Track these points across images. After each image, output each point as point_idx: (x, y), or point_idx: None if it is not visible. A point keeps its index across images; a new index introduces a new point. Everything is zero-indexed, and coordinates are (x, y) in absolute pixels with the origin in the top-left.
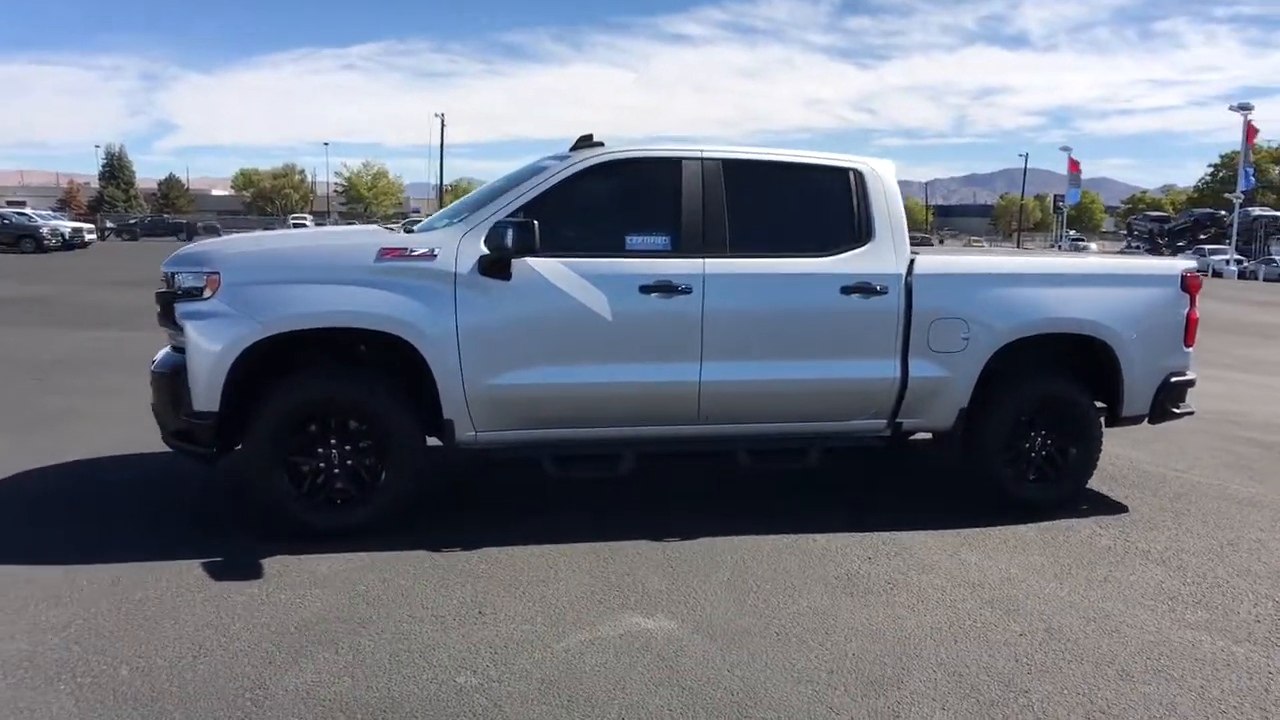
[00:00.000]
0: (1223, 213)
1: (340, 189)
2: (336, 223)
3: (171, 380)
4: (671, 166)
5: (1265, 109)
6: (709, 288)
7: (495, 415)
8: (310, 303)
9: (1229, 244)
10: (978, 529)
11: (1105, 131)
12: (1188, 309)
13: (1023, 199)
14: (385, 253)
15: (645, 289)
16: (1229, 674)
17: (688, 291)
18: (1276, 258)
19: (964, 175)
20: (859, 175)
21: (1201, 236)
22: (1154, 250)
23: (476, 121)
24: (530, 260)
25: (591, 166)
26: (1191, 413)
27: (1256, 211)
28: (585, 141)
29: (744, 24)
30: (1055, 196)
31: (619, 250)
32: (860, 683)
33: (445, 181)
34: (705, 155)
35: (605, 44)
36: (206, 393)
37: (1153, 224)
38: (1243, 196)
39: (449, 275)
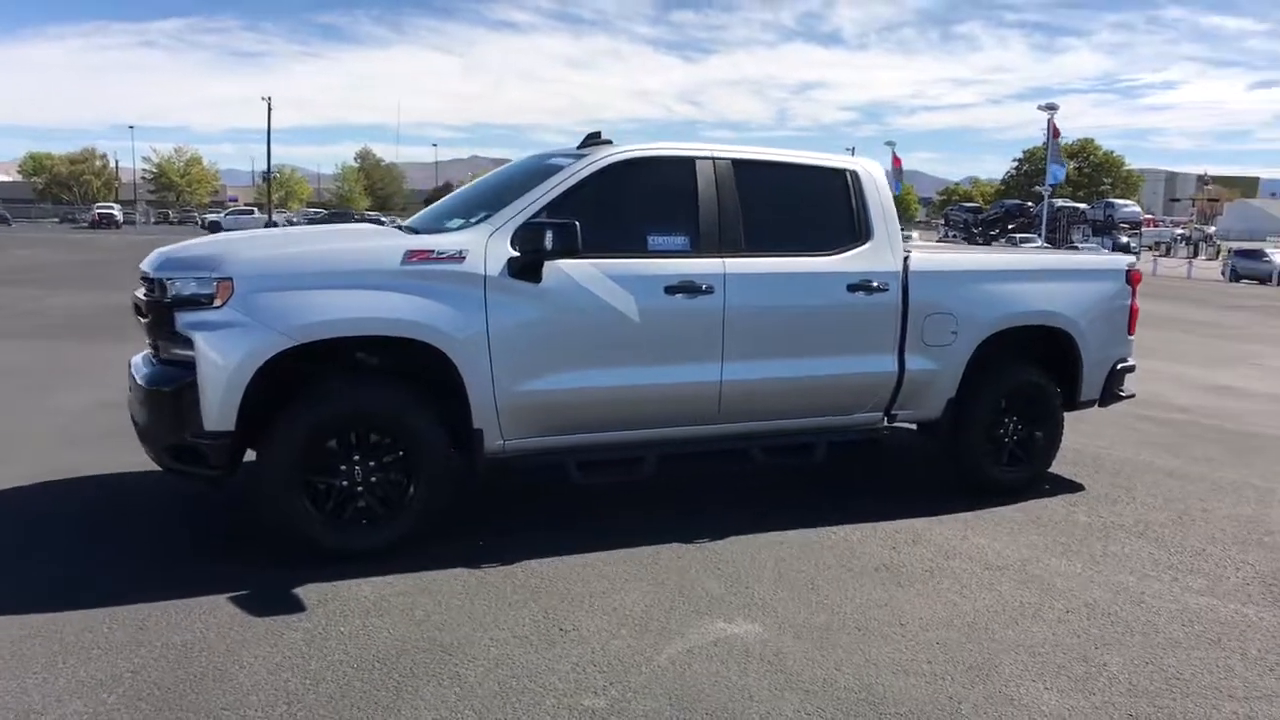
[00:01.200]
0: (1029, 204)
1: (149, 176)
2: (146, 213)
3: (174, 397)
4: (686, 165)
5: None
6: (729, 287)
7: (524, 422)
8: (336, 310)
9: (1037, 233)
10: (969, 513)
11: (913, 126)
12: (1130, 300)
13: None
14: (412, 255)
15: (670, 289)
16: (1254, 634)
17: (710, 291)
18: (1078, 245)
19: None
20: (855, 176)
21: (1011, 226)
22: (969, 239)
23: (294, 106)
24: (558, 261)
25: (613, 164)
26: (1133, 395)
27: (1060, 203)
28: (594, 139)
29: (570, 14)
30: None
31: (642, 250)
32: (960, 670)
33: (261, 170)
34: (716, 155)
35: (428, 27)
36: (221, 410)
37: (967, 214)
38: (1051, 189)
39: (479, 278)
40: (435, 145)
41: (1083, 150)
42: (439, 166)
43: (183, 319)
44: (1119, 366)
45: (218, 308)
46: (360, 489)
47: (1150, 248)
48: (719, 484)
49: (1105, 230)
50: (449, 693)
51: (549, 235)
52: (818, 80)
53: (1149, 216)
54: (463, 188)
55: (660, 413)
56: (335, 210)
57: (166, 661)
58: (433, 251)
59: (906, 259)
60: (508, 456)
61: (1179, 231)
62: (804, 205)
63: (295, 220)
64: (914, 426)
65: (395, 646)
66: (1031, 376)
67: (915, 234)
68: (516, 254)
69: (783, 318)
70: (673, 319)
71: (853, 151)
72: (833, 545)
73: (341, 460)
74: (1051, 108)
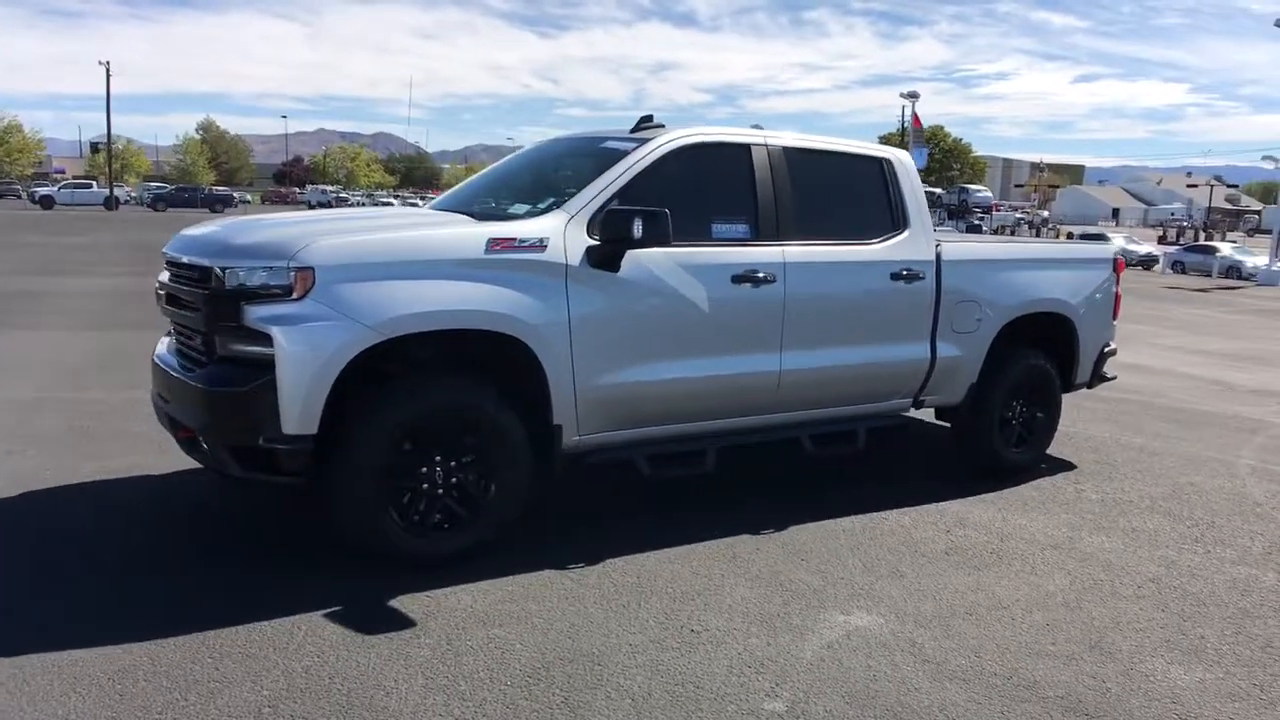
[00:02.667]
0: (935, 192)
1: None
2: None
3: (248, 399)
4: (744, 151)
5: (892, 94)
6: (789, 276)
7: (599, 417)
8: (425, 301)
9: None
10: (991, 495)
11: (765, 110)
12: (1116, 287)
13: None
14: (496, 243)
15: (737, 279)
16: None
17: (772, 280)
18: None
19: None
20: (889, 164)
21: None
22: None
23: (123, 72)
24: (634, 251)
25: (678, 149)
26: (1115, 378)
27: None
28: (647, 122)
29: None
30: None
31: (707, 238)
32: (1084, 649)
33: (91, 139)
34: (769, 141)
35: None
36: (304, 412)
37: None
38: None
39: (560, 267)
40: (285, 117)
41: (933, 137)
42: (286, 140)
43: (254, 313)
44: (1105, 350)
45: (296, 300)
46: (440, 491)
47: (995, 231)
48: (747, 475)
49: (960, 214)
50: (622, 705)
51: (638, 223)
52: (673, 61)
53: (995, 202)
54: (485, 171)
55: (724, 404)
56: (184, 186)
57: (303, 693)
58: (515, 239)
59: (938, 248)
60: (581, 452)
61: (1019, 215)
62: (847, 193)
63: (136, 195)
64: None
65: (536, 658)
66: (1038, 361)
67: None
68: (596, 242)
69: (835, 306)
70: (739, 309)
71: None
72: (890, 531)
73: (421, 462)
74: (913, 95)
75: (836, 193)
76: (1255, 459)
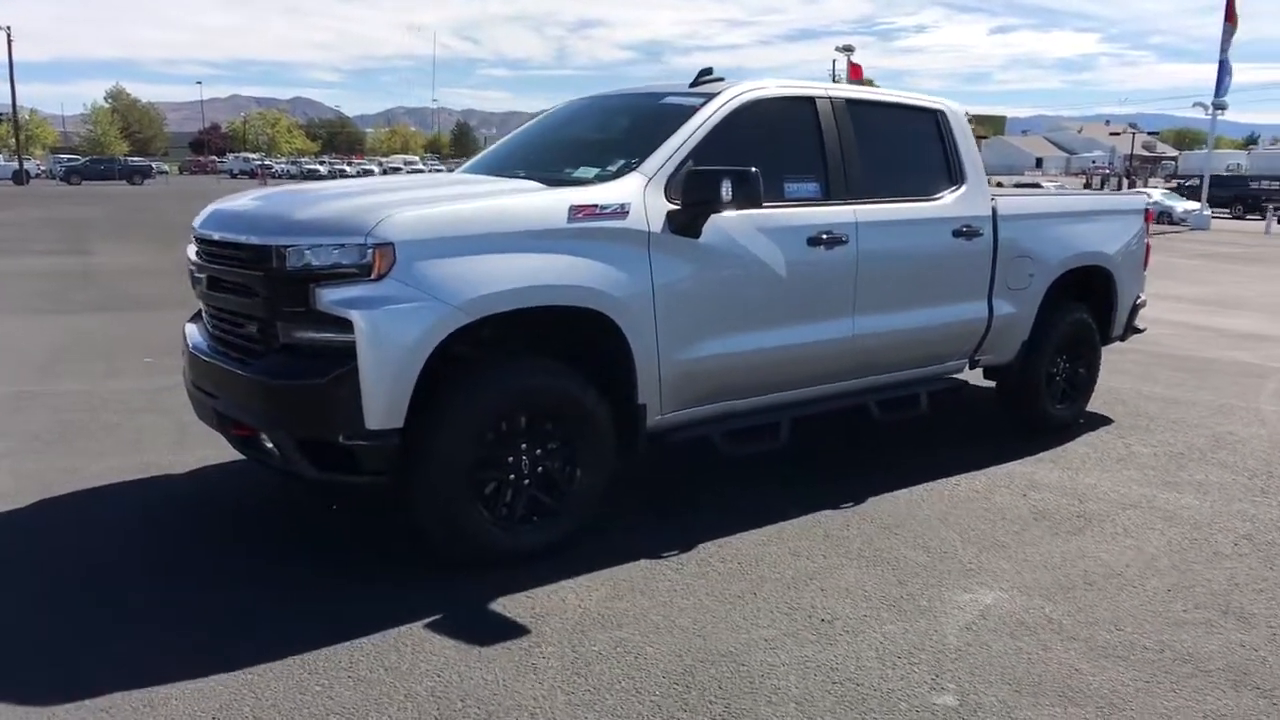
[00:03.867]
0: None
1: None
2: None
3: (326, 392)
4: (810, 105)
5: (815, 49)
6: (861, 236)
7: (681, 393)
8: (510, 277)
9: None
10: (1046, 453)
11: (690, 66)
12: (1146, 238)
13: None
14: (578, 211)
15: (812, 240)
16: None
17: (845, 241)
18: None
19: None
20: (944, 116)
21: None
22: None
23: (22, 38)
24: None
25: (747, 103)
26: (1145, 329)
27: None
28: (706, 75)
29: None
30: None
31: (780, 198)
32: (1218, 615)
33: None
34: (831, 94)
35: None
36: (390, 404)
37: None
38: None
39: (643, 235)
40: (200, 83)
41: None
42: (196, 107)
43: (328, 296)
44: (1138, 302)
45: (376, 280)
46: (526, 482)
47: None
48: (801, 446)
49: None
50: (788, 710)
51: (726, 184)
52: (596, 18)
53: None
54: (518, 133)
55: (800, 373)
56: (98, 157)
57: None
58: (597, 206)
59: (994, 202)
60: (661, 431)
61: None
62: (906, 147)
63: (47, 169)
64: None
65: (675, 663)
66: (1081, 315)
67: None
68: (676, 206)
69: (904, 267)
70: (815, 272)
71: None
72: (968, 497)
73: (507, 451)
74: (849, 49)
75: (896, 147)
76: (1276, 405)
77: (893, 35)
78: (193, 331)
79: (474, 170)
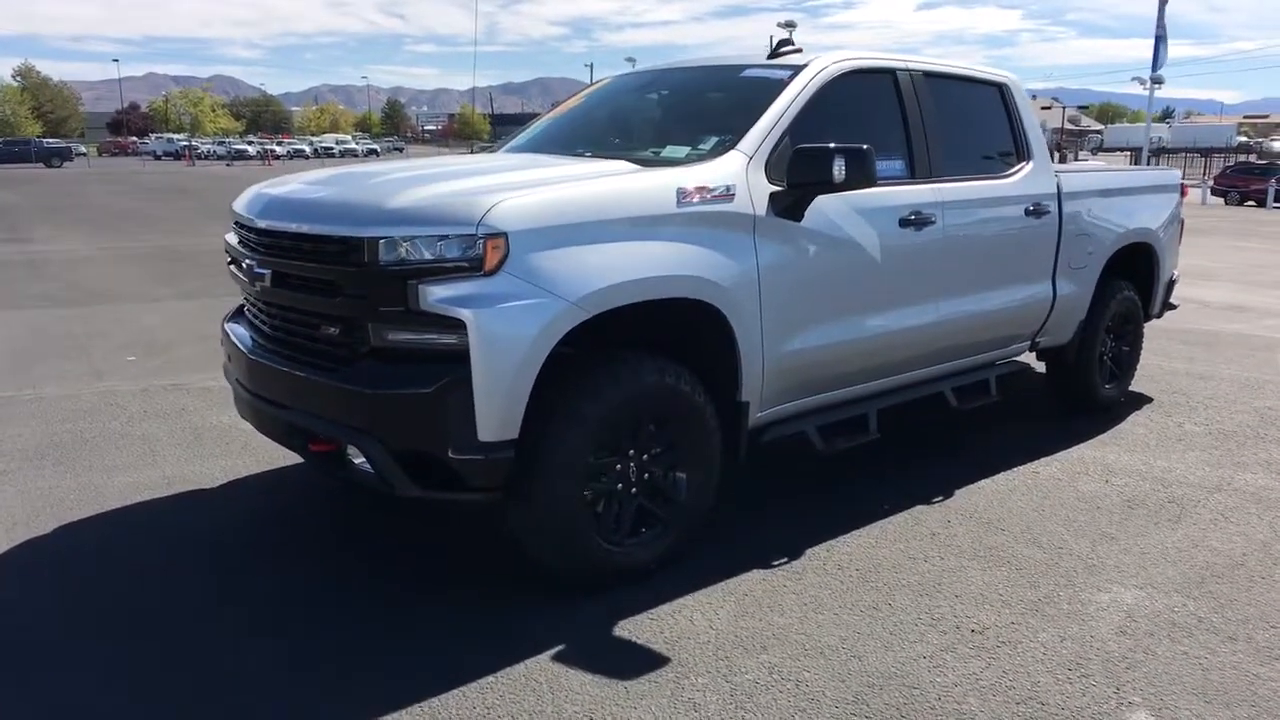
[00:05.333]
0: None
1: None
2: None
3: (433, 402)
4: (891, 78)
5: (747, 24)
6: (945, 216)
7: (781, 388)
8: (625, 269)
9: None
10: (1105, 435)
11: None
12: (1181, 214)
13: None
14: (686, 194)
15: (903, 222)
16: None
17: (932, 222)
18: None
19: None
20: (1008, 89)
21: None
22: None
23: None
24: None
25: (836, 76)
26: (1178, 306)
27: None
28: (786, 45)
29: None
30: None
31: None
32: None
33: None
34: (910, 66)
35: None
36: (506, 413)
37: None
38: None
39: (748, 219)
40: (117, 61)
41: None
42: (110, 86)
43: (434, 294)
44: (1174, 278)
45: (489, 274)
46: (634, 491)
47: None
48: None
49: None
50: None
51: (839, 163)
52: None
53: None
54: (570, 109)
55: (888, 362)
56: (11, 140)
57: None
58: (705, 189)
59: (1058, 179)
60: (758, 429)
61: None
62: (977, 123)
63: None
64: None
65: (841, 691)
66: (1129, 293)
67: None
68: (778, 188)
69: (983, 247)
70: (907, 255)
71: (591, 68)
72: (1052, 486)
73: (615, 459)
74: (790, 25)
75: (969, 122)
76: None
77: (822, 11)
78: (240, 333)
79: (524, 150)
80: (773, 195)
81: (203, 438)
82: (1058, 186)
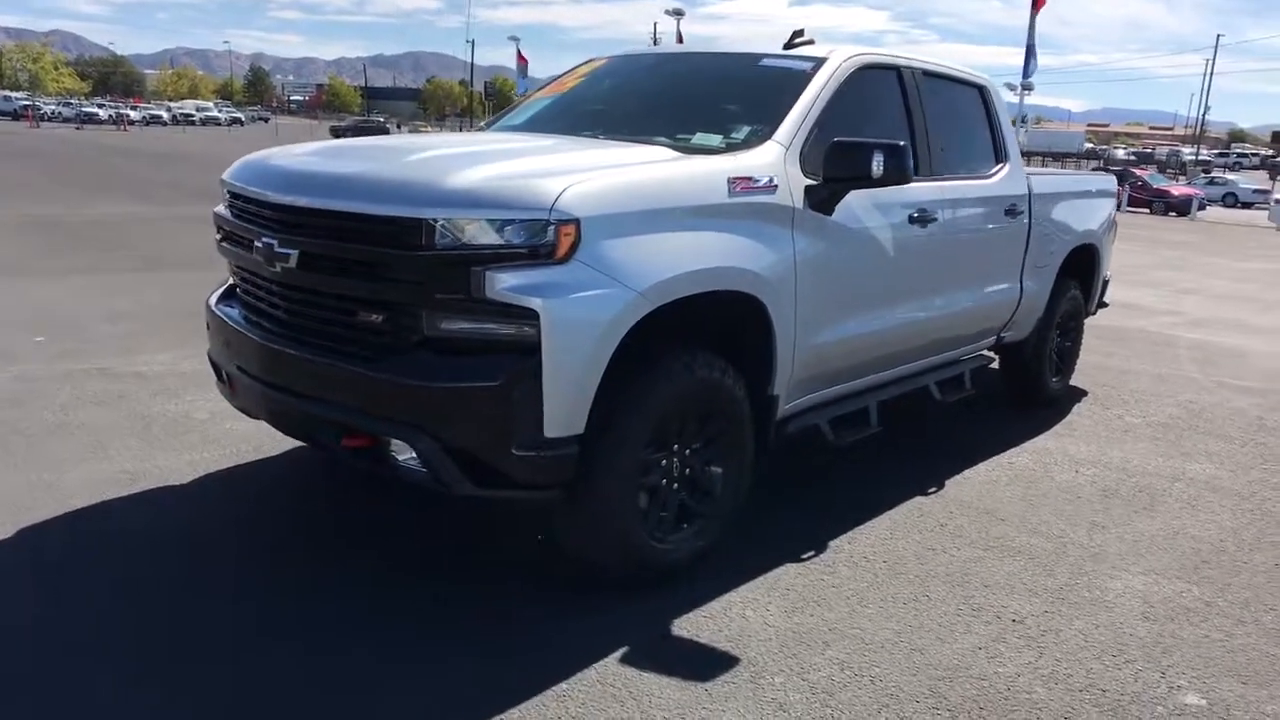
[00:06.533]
0: None
1: None
2: None
3: (501, 396)
4: (895, 75)
5: (628, 9)
6: (944, 214)
7: (804, 382)
8: (684, 260)
9: None
10: (1057, 427)
11: (498, 20)
12: (1115, 218)
13: (469, 88)
14: (737, 183)
15: (913, 219)
16: None
17: (935, 220)
18: None
19: (371, 55)
20: (987, 91)
21: None
22: None
23: None
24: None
25: (854, 70)
26: (1109, 305)
27: None
28: (799, 36)
29: None
30: (486, 83)
31: None
32: None
33: None
34: (912, 64)
35: None
36: (574, 407)
37: None
38: None
39: (788, 212)
40: None
41: None
42: None
43: (502, 281)
44: (1107, 277)
45: (560, 262)
46: (675, 486)
47: None
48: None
49: None
50: None
51: (878, 159)
52: None
53: None
54: (565, 91)
55: (892, 355)
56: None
57: None
58: (752, 179)
59: (1029, 180)
60: (782, 422)
61: None
62: (963, 123)
63: None
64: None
65: (913, 683)
66: (1075, 291)
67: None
68: (812, 180)
69: (972, 245)
70: (915, 251)
71: (518, 43)
72: (1030, 477)
73: (662, 454)
74: (679, 13)
75: (957, 123)
76: (1201, 373)
77: (698, 3)
78: (239, 316)
79: (528, 130)
80: (808, 188)
81: (153, 427)
82: (1029, 188)
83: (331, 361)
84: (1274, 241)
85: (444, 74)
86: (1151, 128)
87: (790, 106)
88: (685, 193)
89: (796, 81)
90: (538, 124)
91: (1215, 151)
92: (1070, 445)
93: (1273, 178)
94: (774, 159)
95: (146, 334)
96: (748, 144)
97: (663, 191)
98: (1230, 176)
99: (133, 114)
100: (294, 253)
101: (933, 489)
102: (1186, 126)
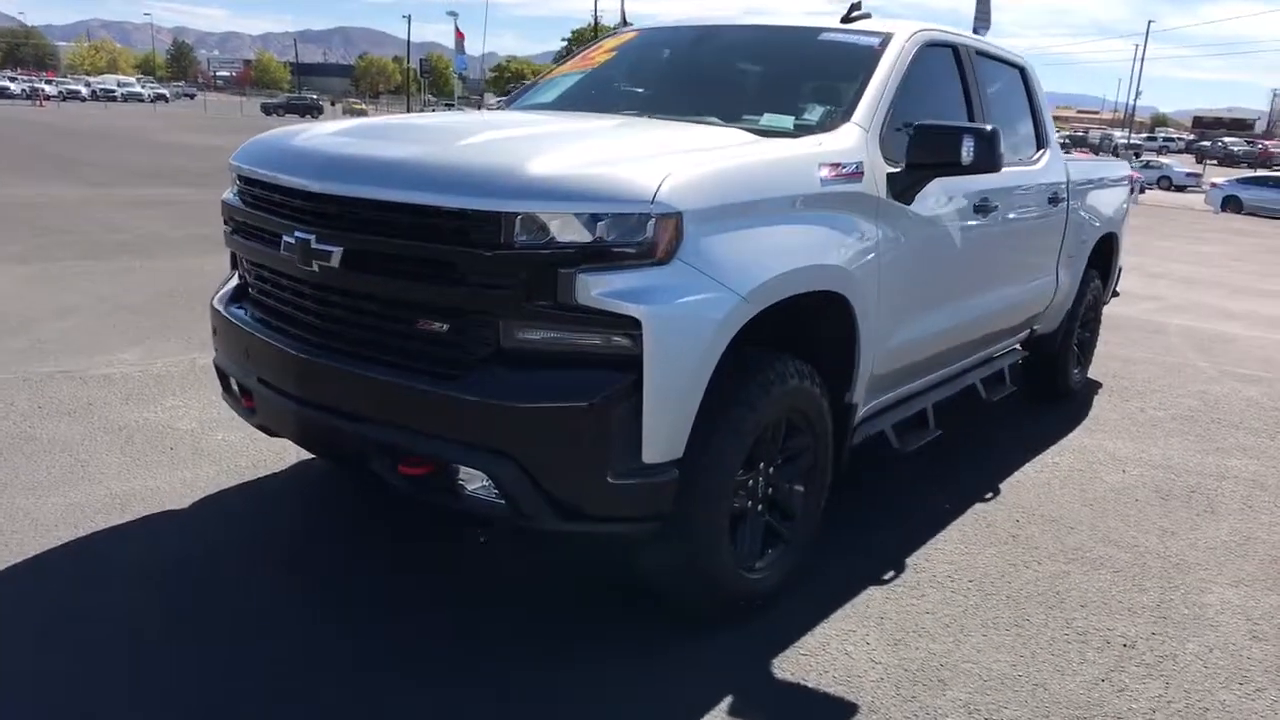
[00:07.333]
0: None
1: None
2: None
3: (597, 417)
4: (953, 54)
5: None
6: (1001, 202)
7: (876, 385)
8: (784, 257)
9: None
10: (1086, 422)
11: None
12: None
13: (407, 65)
14: (829, 171)
15: (977, 208)
16: None
17: (995, 209)
18: None
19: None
20: (1027, 72)
21: None
22: None
23: None
24: None
25: (921, 46)
26: (1119, 294)
27: None
28: (856, 9)
29: None
30: (421, 60)
31: None
32: None
33: None
34: (965, 42)
35: None
36: (675, 428)
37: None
38: None
39: (873, 202)
40: None
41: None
42: None
43: (598, 285)
44: (1120, 266)
45: (661, 262)
46: (759, 507)
47: None
48: None
49: None
50: None
51: (968, 144)
52: None
53: None
54: (597, 66)
55: (950, 352)
56: None
57: None
58: (841, 166)
59: (1066, 168)
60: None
61: None
62: (1009, 106)
63: None
64: None
65: None
66: (1097, 281)
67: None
68: (892, 167)
69: (1022, 234)
70: (979, 241)
71: (456, 19)
72: (1078, 479)
73: (750, 472)
74: None
75: (1004, 105)
76: (1203, 362)
77: None
78: (254, 321)
79: (553, 109)
80: (889, 176)
81: (135, 441)
82: (1068, 175)
83: (388, 377)
84: (1217, 225)
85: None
86: (1079, 111)
87: (865, 86)
88: (780, 181)
89: (866, 58)
90: (572, 103)
91: (1143, 135)
92: (1107, 442)
93: (1199, 161)
94: (857, 143)
95: (103, 330)
96: (823, 127)
97: (758, 180)
98: (1163, 160)
99: (48, 89)
100: (337, 250)
101: (990, 495)
102: (1114, 111)
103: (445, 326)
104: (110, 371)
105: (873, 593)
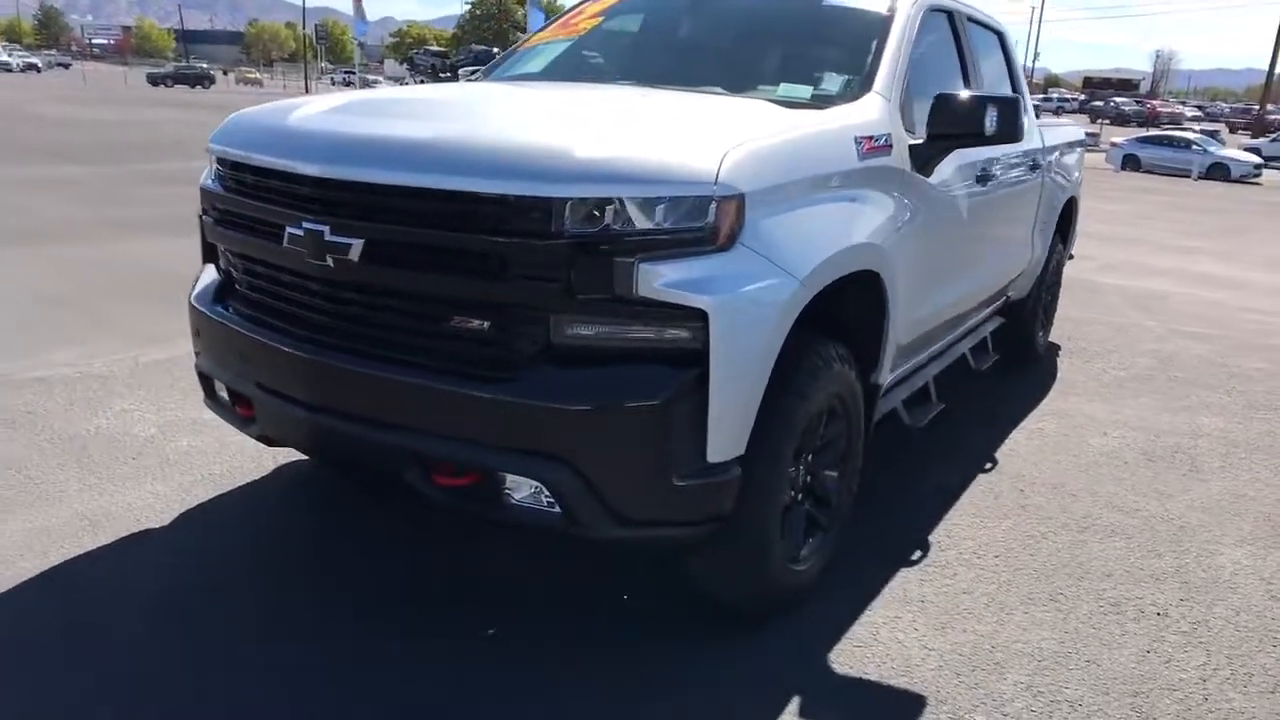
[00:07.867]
0: (495, 50)
1: None
2: None
3: (660, 418)
4: (949, 19)
5: None
6: (996, 171)
7: (893, 364)
8: (833, 238)
9: None
10: (1055, 386)
11: None
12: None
13: (304, 31)
14: (865, 144)
15: (979, 179)
16: None
17: (993, 178)
18: None
19: None
20: (1003, 36)
21: (479, 72)
22: (437, 82)
23: None
24: None
25: (927, 11)
26: (1073, 257)
27: (480, 47)
28: None
29: None
30: (316, 26)
31: None
32: None
33: None
34: (959, 6)
35: None
36: (740, 424)
37: (434, 59)
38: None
39: (900, 175)
40: None
41: None
42: None
43: (661, 275)
44: (1074, 228)
45: (724, 249)
46: (800, 497)
47: None
48: None
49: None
50: None
51: (991, 115)
52: None
53: None
54: (584, 33)
55: (950, 322)
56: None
57: None
58: (873, 138)
59: (1041, 134)
60: None
61: None
62: (993, 72)
63: None
64: None
65: (1113, 702)
66: (1060, 245)
67: (382, 80)
68: (914, 139)
69: (1010, 201)
70: (979, 211)
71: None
72: (1064, 444)
73: (795, 463)
74: None
75: (989, 71)
76: (1147, 320)
77: None
78: (245, 320)
79: (542, 79)
80: (912, 148)
81: (91, 452)
82: (1042, 141)
83: (421, 380)
84: (1121, 183)
85: (265, 15)
86: None
87: (880, 53)
88: (826, 157)
89: (877, 25)
90: (564, 72)
91: (1039, 96)
92: (1083, 405)
93: (1093, 120)
94: (883, 114)
95: (29, 327)
96: (844, 97)
97: (808, 157)
98: (1061, 121)
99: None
100: (356, 242)
101: (989, 465)
102: None
103: (486, 324)
104: (46, 374)
105: (906, 575)
